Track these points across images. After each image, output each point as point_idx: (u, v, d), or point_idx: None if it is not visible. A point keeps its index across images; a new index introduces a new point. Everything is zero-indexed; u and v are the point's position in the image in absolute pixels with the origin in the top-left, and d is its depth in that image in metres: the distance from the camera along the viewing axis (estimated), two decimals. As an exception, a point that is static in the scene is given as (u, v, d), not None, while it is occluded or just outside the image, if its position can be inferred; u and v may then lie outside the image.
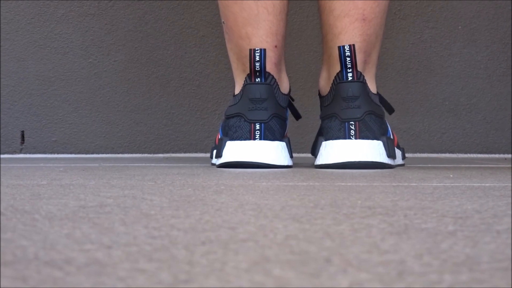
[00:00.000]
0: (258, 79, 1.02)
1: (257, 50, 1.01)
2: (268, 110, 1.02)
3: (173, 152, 1.62)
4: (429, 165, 1.17)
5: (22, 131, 1.60)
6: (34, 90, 1.60)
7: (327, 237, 0.35)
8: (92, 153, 1.61)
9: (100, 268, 0.27)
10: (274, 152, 1.02)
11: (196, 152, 1.62)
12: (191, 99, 1.62)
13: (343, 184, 0.70)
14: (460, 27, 1.64)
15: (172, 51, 1.62)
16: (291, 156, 1.05)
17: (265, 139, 1.02)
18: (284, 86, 1.06)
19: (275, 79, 1.03)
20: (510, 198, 0.55)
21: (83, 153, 1.60)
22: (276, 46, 1.01)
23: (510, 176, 0.83)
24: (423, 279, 0.25)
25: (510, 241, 0.34)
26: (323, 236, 0.35)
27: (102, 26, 1.61)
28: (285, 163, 1.02)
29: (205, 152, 1.62)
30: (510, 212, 0.45)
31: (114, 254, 0.30)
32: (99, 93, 1.61)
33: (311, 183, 0.71)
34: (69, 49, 1.61)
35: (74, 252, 0.30)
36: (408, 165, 1.16)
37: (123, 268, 0.27)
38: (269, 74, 1.02)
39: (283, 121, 1.03)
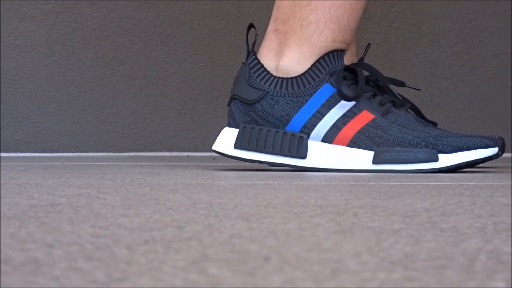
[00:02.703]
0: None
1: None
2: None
3: (138, 151, 1.61)
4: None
5: (-15, 130, 1.58)
6: (-2, 88, 1.59)
7: (272, 236, 0.35)
8: (56, 151, 1.59)
9: (37, 267, 0.27)
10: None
11: (161, 151, 1.62)
12: (157, 98, 1.62)
13: (301, 183, 0.71)
14: (424, 27, 1.65)
15: (137, 49, 1.61)
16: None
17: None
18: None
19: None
20: (463, 197, 0.55)
21: (47, 152, 1.59)
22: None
23: (468, 175, 0.84)
24: (356, 277, 0.25)
25: (452, 239, 0.34)
26: (268, 234, 0.35)
27: (67, 24, 1.60)
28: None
29: (171, 151, 1.62)
30: (459, 211, 0.46)
31: (54, 253, 0.30)
32: (64, 91, 1.60)
33: (269, 182, 0.71)
34: (33, 47, 1.59)
35: (14, 252, 0.30)
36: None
37: (59, 267, 0.27)
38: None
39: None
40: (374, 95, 0.93)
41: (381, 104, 0.92)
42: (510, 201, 0.52)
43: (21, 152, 1.59)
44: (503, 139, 0.91)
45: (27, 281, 0.25)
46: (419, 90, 1.04)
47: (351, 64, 0.93)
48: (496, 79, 1.66)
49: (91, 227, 0.38)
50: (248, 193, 0.58)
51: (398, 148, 0.89)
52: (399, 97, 0.96)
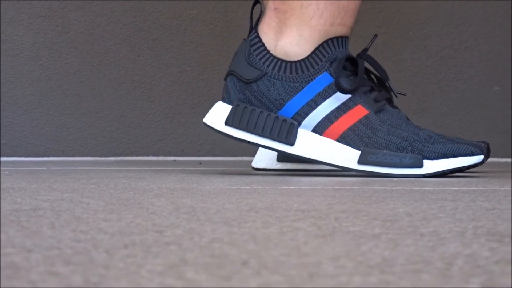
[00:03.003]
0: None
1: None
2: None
3: (124, 156, 1.61)
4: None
5: (-29, 134, 1.58)
6: (-16, 92, 1.58)
7: (252, 240, 0.35)
8: (42, 156, 1.59)
9: (14, 271, 0.27)
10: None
11: (148, 155, 1.62)
12: (143, 102, 1.61)
13: (285, 187, 0.71)
14: (411, 32, 1.66)
15: (124, 54, 1.61)
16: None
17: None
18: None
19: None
20: (446, 201, 0.55)
21: (32, 156, 1.59)
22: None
23: (452, 180, 0.84)
24: (332, 281, 0.25)
25: (431, 244, 0.34)
26: (248, 239, 0.36)
27: (53, 28, 1.60)
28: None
29: (157, 156, 1.62)
30: (440, 215, 0.46)
31: (32, 257, 0.30)
32: (50, 95, 1.60)
33: (254, 187, 0.71)
34: (19, 51, 1.59)
35: (-8, 256, 0.30)
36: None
37: (37, 271, 0.27)
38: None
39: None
40: (371, 90, 0.92)
41: (376, 101, 0.91)
42: (492, 206, 0.52)
43: (7, 156, 1.58)
44: (488, 145, 0.91)
45: (3, 285, 0.25)
46: (405, 95, 1.04)
47: (354, 55, 0.92)
48: (483, 84, 1.67)
49: (72, 232, 0.38)
50: (232, 198, 0.58)
51: (385, 151, 0.90)
52: (396, 94, 0.95)
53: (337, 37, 0.90)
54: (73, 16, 1.60)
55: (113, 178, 0.85)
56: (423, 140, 0.90)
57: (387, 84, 0.95)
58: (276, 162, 1.01)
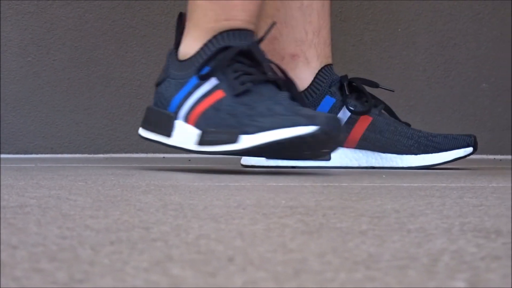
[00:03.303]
0: None
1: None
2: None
3: (113, 153, 1.61)
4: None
5: (-41, 131, 1.57)
6: (-29, 89, 1.58)
7: (239, 237, 0.35)
8: (31, 153, 1.58)
9: (-1, 268, 0.27)
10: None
11: (137, 152, 1.61)
12: (132, 99, 1.61)
13: (274, 184, 0.71)
14: (399, 29, 1.66)
15: (113, 50, 1.61)
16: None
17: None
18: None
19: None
20: (433, 198, 0.56)
21: (21, 153, 1.58)
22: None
23: (441, 176, 0.84)
24: (317, 277, 0.25)
25: (417, 240, 0.34)
26: (235, 235, 0.35)
27: (41, 25, 1.59)
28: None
29: (146, 153, 1.62)
30: (427, 212, 0.46)
31: (17, 254, 0.30)
32: (38, 92, 1.59)
33: (242, 183, 0.71)
34: (7, 47, 1.58)
35: (-23, 253, 0.30)
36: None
37: (22, 268, 0.27)
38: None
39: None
40: (238, 76, 0.90)
41: (241, 83, 0.89)
42: (480, 202, 0.53)
43: (-5, 153, 1.58)
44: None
45: (-13, 282, 0.24)
46: (393, 91, 1.06)
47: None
48: (471, 81, 1.67)
49: (58, 228, 0.38)
50: (220, 195, 0.58)
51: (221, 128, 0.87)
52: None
53: (226, 31, 0.91)
54: (61, 13, 1.60)
55: (101, 175, 0.85)
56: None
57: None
58: (265, 159, 1.03)
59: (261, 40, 0.93)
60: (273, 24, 0.95)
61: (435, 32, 1.66)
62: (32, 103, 1.59)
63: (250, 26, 0.92)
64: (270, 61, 0.92)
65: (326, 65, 1.07)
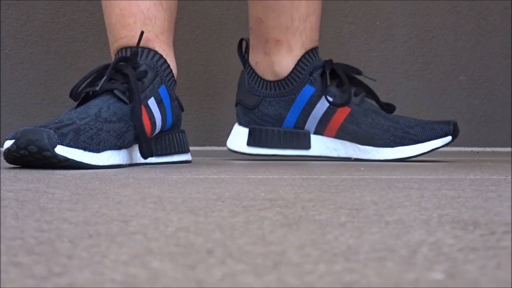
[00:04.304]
0: None
1: None
2: (236, 96, 1.12)
3: (91, 146, 1.60)
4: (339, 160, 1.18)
5: None
6: None
7: (218, 229, 0.35)
8: (8, 146, 1.57)
9: (-24, 262, 0.27)
10: (232, 135, 1.10)
11: (115, 145, 1.61)
12: (110, 92, 1.60)
13: (253, 177, 0.71)
14: (378, 22, 1.67)
15: (90, 42, 1.60)
16: (261, 145, 1.07)
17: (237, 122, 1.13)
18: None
19: (253, 69, 1.11)
20: (412, 190, 0.56)
21: (-2, 147, 1.57)
22: (267, 40, 1.09)
23: (419, 169, 0.85)
24: (297, 269, 0.25)
25: (396, 232, 0.34)
26: (214, 228, 0.35)
27: (18, 17, 1.58)
28: (236, 149, 1.09)
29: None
30: (406, 203, 0.46)
31: (-5, 248, 0.30)
32: (15, 85, 1.58)
33: (221, 176, 0.71)
34: (-16, 39, 1.57)
35: (-46, 247, 0.30)
36: (322, 160, 1.17)
37: (-1, 262, 0.27)
38: (248, 64, 1.11)
39: (248, 109, 1.09)
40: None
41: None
42: (457, 194, 0.53)
43: (-28, 146, 1.56)
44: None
45: (-36, 276, 0.24)
46: (375, 80, 1.09)
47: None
48: (448, 74, 1.68)
49: (36, 222, 0.37)
50: (199, 187, 0.58)
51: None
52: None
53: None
54: (38, 4, 1.58)
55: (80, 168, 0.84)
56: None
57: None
58: (247, 146, 1.07)
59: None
60: (142, 33, 0.95)
61: (413, 25, 1.67)
62: (9, 96, 1.57)
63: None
64: None
65: (311, 49, 1.08)
